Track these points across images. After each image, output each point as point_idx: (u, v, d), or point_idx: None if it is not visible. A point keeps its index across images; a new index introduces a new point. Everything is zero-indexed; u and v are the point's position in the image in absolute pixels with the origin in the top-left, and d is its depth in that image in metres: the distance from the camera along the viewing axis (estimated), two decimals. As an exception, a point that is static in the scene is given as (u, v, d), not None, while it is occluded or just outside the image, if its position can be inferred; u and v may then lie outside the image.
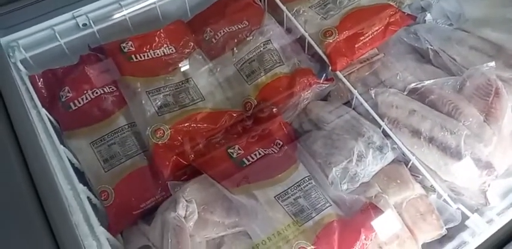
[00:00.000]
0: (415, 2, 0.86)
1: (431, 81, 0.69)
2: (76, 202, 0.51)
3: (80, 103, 0.64)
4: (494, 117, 0.64)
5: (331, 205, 0.56)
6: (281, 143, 0.62)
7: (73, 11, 0.69)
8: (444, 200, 0.60)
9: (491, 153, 0.61)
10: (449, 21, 0.84)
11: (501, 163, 0.62)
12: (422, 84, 0.69)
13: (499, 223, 0.56)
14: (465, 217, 0.58)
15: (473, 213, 0.57)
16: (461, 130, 0.63)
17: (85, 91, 0.64)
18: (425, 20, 0.84)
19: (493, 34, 0.77)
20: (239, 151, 0.60)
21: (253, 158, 0.59)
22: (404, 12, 0.77)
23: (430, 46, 0.75)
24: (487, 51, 0.75)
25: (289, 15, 0.76)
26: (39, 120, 0.58)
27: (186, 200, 0.54)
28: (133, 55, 0.69)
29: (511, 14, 0.81)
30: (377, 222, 0.53)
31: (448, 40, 0.76)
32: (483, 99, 0.65)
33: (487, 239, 0.55)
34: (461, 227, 0.57)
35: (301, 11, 0.78)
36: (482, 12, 0.83)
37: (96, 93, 0.65)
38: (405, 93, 0.69)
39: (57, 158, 0.54)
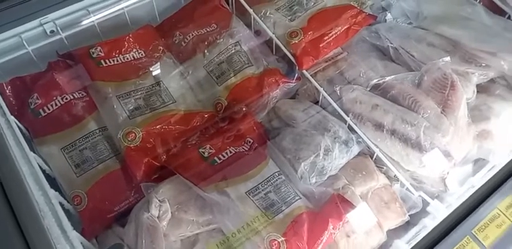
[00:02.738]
0: (376, 2, 0.90)
1: (392, 76, 0.72)
2: (48, 207, 0.51)
3: (49, 109, 0.64)
4: (450, 108, 0.67)
5: (300, 198, 0.58)
6: (251, 141, 0.64)
7: (40, 18, 0.70)
8: (407, 188, 0.63)
9: (449, 143, 0.65)
10: (409, 19, 0.89)
11: (458, 152, 0.65)
12: (383, 80, 0.72)
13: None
14: (426, 204, 0.61)
15: (433, 199, 0.61)
16: (421, 122, 0.66)
17: (54, 98, 0.65)
18: (386, 19, 0.88)
19: (449, 31, 0.81)
20: (210, 151, 0.61)
21: (224, 157, 0.60)
22: (365, 12, 0.80)
23: (390, 44, 0.78)
24: (444, 47, 0.79)
25: (257, 18, 0.79)
26: (8, 127, 0.58)
27: (158, 200, 0.55)
28: (102, 61, 0.70)
29: (464, 11, 0.85)
30: (344, 212, 0.55)
31: (407, 38, 0.80)
32: (440, 92, 0.69)
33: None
34: (423, 213, 0.61)
35: (268, 14, 0.81)
36: (439, 10, 0.88)
37: (66, 98, 0.65)
38: (368, 89, 0.72)
39: (28, 165, 0.54)
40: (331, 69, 0.77)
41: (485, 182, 0.60)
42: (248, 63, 0.74)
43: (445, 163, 0.63)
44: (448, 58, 0.71)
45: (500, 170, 0.62)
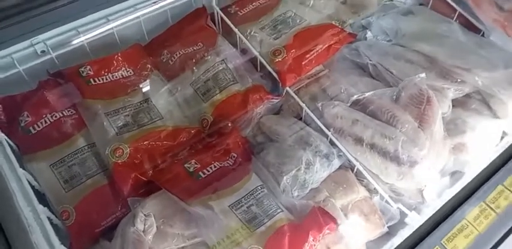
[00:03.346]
0: (357, 20, 0.94)
1: (371, 92, 0.75)
2: (36, 223, 0.53)
3: (39, 126, 0.66)
4: (427, 123, 0.70)
5: (282, 211, 0.60)
6: (236, 156, 0.66)
7: (31, 39, 0.73)
8: (386, 200, 0.65)
9: (425, 156, 0.67)
10: (388, 37, 0.93)
11: (435, 165, 0.68)
12: (363, 96, 0.75)
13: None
14: (404, 215, 0.63)
15: (411, 211, 0.63)
16: (399, 136, 0.69)
17: (44, 115, 0.67)
18: (366, 37, 0.92)
19: (427, 48, 0.85)
20: (196, 165, 0.63)
21: (208, 171, 0.63)
22: (346, 31, 0.84)
23: (369, 61, 0.82)
24: (421, 64, 0.83)
25: (242, 37, 0.82)
26: (-1, 144, 0.60)
27: (144, 214, 0.57)
28: (91, 79, 0.72)
29: (441, 29, 0.90)
30: (324, 224, 0.57)
31: (385, 55, 0.84)
32: (417, 107, 0.72)
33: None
34: (401, 224, 0.63)
35: (253, 33, 0.84)
36: (416, 28, 0.92)
37: (56, 116, 0.67)
38: (348, 104, 0.75)
39: (17, 181, 0.56)
40: (314, 85, 0.80)
41: (456, 193, 0.62)
42: (233, 80, 0.77)
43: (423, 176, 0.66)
44: (423, 75, 0.74)
45: (470, 182, 0.64)
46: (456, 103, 0.81)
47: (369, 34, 0.91)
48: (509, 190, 0.73)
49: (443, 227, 0.61)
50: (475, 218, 0.61)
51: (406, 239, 0.59)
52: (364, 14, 0.96)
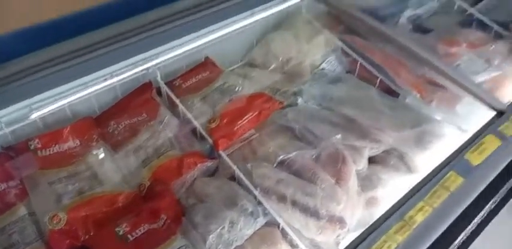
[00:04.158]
0: (290, 88, 1.05)
1: (295, 153, 0.84)
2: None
3: (-17, 198, 0.72)
4: (343, 180, 0.78)
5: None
6: (165, 217, 0.72)
7: (-15, 117, 0.81)
8: (306, 255, 0.70)
9: (342, 210, 0.74)
10: (318, 102, 1.03)
11: (351, 218, 0.74)
12: (288, 156, 0.83)
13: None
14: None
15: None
16: (318, 193, 0.76)
17: (-11, 187, 0.73)
18: (297, 103, 1.03)
19: (349, 111, 0.96)
20: (125, 229, 0.68)
21: (137, 234, 0.67)
22: (275, 99, 0.95)
23: (296, 125, 0.91)
24: (344, 126, 0.92)
25: (183, 108, 0.92)
26: None
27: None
28: (39, 151, 0.80)
29: (362, 94, 1.01)
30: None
31: (312, 118, 0.94)
32: (334, 166, 0.80)
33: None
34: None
35: (194, 103, 0.95)
36: (342, 94, 1.03)
37: (0, 187, 0.73)
38: (275, 165, 0.82)
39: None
40: (246, 148, 0.88)
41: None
42: (172, 147, 0.85)
43: (340, 229, 0.71)
44: (339, 136, 0.84)
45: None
46: (378, 159, 0.89)
47: (300, 100, 1.02)
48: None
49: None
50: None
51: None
52: (298, 82, 1.08)
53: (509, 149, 0.71)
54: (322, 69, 1.13)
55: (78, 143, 0.84)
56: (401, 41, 0.92)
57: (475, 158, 0.68)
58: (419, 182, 0.68)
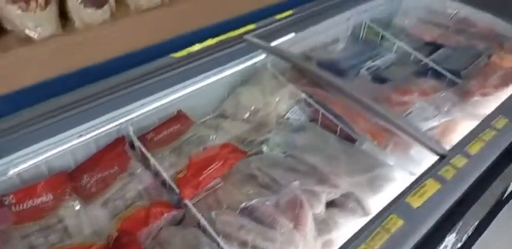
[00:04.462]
0: (257, 137, 1.13)
1: (257, 200, 0.89)
2: None
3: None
4: (300, 224, 0.82)
5: None
6: (128, 267, 0.75)
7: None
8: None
9: (299, 254, 0.77)
10: (283, 150, 1.10)
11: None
12: (250, 203, 0.88)
13: None
14: None
15: None
16: (278, 238, 0.80)
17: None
18: (262, 151, 1.09)
19: (310, 158, 1.02)
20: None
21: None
22: (240, 149, 1.02)
23: (258, 173, 0.97)
24: (304, 172, 0.99)
25: (153, 160, 0.98)
26: None
27: None
28: (13, 206, 0.84)
29: (323, 142, 1.09)
30: None
31: (275, 166, 1.00)
32: (292, 211, 0.85)
33: None
34: None
35: (165, 155, 1.01)
36: (305, 141, 1.11)
37: (-29, 243, 0.77)
38: (238, 212, 0.87)
39: None
40: (211, 197, 0.93)
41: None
42: (140, 198, 0.90)
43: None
44: (297, 182, 0.89)
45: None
46: (337, 202, 0.94)
47: (265, 148, 1.09)
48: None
49: None
50: None
51: None
52: (265, 131, 1.16)
53: (448, 191, 0.77)
54: (287, 118, 1.21)
55: (51, 198, 0.89)
56: (354, 94, 1.01)
57: (415, 201, 0.74)
58: (365, 225, 0.73)
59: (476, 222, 1.17)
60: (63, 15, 0.87)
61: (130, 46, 0.99)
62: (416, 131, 0.91)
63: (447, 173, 0.80)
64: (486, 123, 0.94)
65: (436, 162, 0.85)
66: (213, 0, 1.12)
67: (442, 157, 0.85)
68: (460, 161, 0.83)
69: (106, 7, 0.86)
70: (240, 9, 1.21)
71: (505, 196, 1.48)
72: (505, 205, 1.54)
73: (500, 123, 0.94)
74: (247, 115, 1.20)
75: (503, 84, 1.26)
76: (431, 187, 0.76)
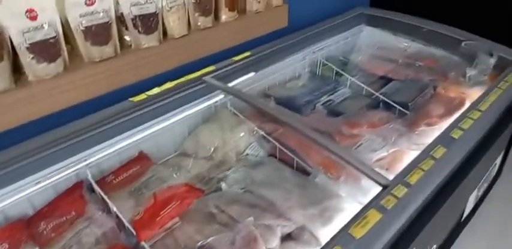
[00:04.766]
0: (215, 174, 1.16)
1: (213, 237, 0.91)
2: None
3: None
4: (255, 260, 0.85)
5: None
6: None
7: None
8: None
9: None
10: (241, 186, 1.14)
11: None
12: (207, 241, 0.90)
13: None
14: None
15: None
16: (232, 276, 0.81)
17: None
18: (221, 188, 1.13)
19: (267, 192, 1.06)
20: None
21: None
22: (196, 188, 1.05)
23: (215, 210, 1.00)
24: (260, 206, 1.02)
25: (110, 203, 0.99)
26: None
27: None
28: (-35, 257, 0.84)
29: (278, 175, 1.13)
30: None
31: (232, 203, 1.03)
32: (247, 247, 0.87)
33: None
34: None
35: (123, 197, 1.03)
36: (263, 176, 1.15)
37: None
38: (193, 251, 0.89)
39: None
40: (168, 237, 0.94)
41: None
42: (97, 242, 0.91)
43: None
44: (251, 219, 0.93)
45: None
46: (294, 235, 0.97)
47: (223, 185, 1.12)
48: None
49: None
50: None
51: None
52: (225, 168, 1.20)
53: (389, 221, 0.81)
54: (247, 154, 1.26)
55: (7, 247, 0.89)
56: (305, 130, 1.07)
57: (357, 231, 0.77)
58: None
59: (435, 246, 1.21)
60: (17, 70, 0.91)
61: (87, 95, 1.03)
62: (360, 164, 0.96)
63: (388, 203, 0.84)
64: (426, 152, 1.00)
65: (379, 192, 0.89)
66: (170, 48, 1.18)
67: (385, 188, 0.90)
68: (400, 190, 0.88)
69: (59, 60, 0.91)
70: (198, 54, 1.28)
71: (463, 218, 1.53)
72: (464, 226, 1.60)
73: (439, 152, 1.00)
74: (207, 153, 1.24)
75: (447, 114, 1.36)
76: (373, 217, 0.81)
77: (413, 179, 0.91)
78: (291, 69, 1.62)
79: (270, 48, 1.51)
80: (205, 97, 1.32)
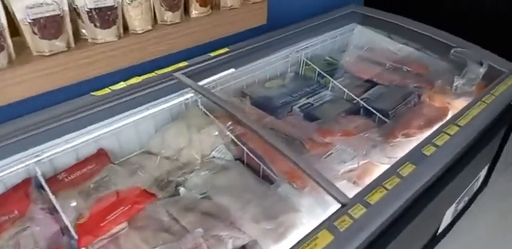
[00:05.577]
0: (174, 178, 1.11)
1: (159, 248, 0.86)
2: None
3: None
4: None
5: None
6: None
7: None
8: None
9: None
10: (200, 191, 1.09)
11: None
12: (152, 252, 0.86)
13: None
14: None
15: None
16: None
17: None
18: (180, 193, 1.07)
19: (225, 199, 1.01)
20: None
21: None
22: (148, 192, 1.00)
23: (166, 218, 0.95)
24: (214, 215, 0.97)
25: (55, 203, 0.93)
26: None
27: None
28: None
29: (242, 183, 1.08)
30: None
31: (186, 210, 0.98)
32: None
33: None
34: None
35: (71, 198, 0.98)
36: (225, 182, 1.10)
37: None
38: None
39: None
40: (112, 244, 0.90)
41: None
42: (36, 245, 0.86)
43: None
44: (201, 230, 0.88)
45: None
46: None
47: (182, 190, 1.07)
48: None
49: None
50: None
51: None
52: (188, 170, 1.14)
53: (340, 244, 0.77)
54: (213, 157, 1.20)
55: None
56: (269, 139, 1.01)
57: (306, 254, 0.73)
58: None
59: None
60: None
61: (38, 90, 0.97)
62: (321, 177, 0.91)
63: (342, 224, 0.79)
64: (393, 169, 0.95)
65: (336, 211, 0.84)
66: (132, 44, 1.11)
67: (343, 206, 0.85)
68: (358, 210, 0.83)
69: (3, 53, 0.84)
70: (165, 50, 1.21)
71: (439, 232, 1.49)
72: (439, 241, 1.56)
73: (407, 169, 0.95)
74: (171, 152, 1.18)
75: (427, 125, 1.29)
76: (323, 239, 0.76)
77: (373, 198, 0.86)
78: (273, 67, 1.55)
79: (249, 45, 1.44)
80: (175, 94, 1.25)
